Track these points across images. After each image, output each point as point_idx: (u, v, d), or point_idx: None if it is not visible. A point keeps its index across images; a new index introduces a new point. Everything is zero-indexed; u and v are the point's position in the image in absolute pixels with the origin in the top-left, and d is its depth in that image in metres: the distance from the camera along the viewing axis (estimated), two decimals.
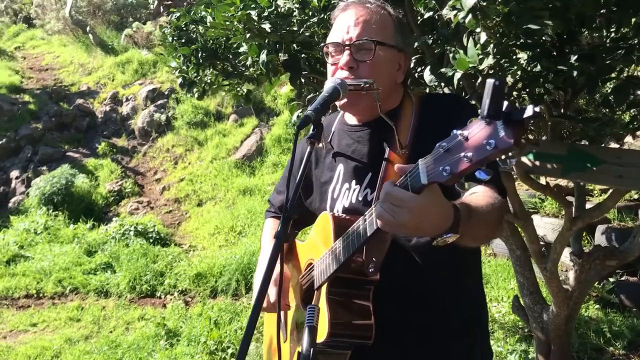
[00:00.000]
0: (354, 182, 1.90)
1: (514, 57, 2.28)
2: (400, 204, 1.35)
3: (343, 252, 1.66)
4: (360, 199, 1.87)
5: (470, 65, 2.24)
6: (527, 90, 2.85)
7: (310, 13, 2.97)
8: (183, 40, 4.42)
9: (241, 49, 3.48)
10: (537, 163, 3.15)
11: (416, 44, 2.54)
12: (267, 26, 3.04)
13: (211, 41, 4.21)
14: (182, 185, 9.92)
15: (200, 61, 4.26)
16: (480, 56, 2.25)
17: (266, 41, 3.21)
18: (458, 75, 2.29)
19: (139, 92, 12.16)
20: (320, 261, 1.80)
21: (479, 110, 1.20)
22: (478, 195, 1.64)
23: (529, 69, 2.58)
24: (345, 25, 1.85)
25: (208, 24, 3.72)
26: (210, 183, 9.75)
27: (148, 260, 7.04)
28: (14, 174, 10.44)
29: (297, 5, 3.02)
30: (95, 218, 9.12)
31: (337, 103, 1.86)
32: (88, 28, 14.10)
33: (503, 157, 1.21)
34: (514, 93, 2.90)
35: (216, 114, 11.44)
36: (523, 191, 5.57)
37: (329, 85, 1.76)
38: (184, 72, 4.36)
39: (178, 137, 11.11)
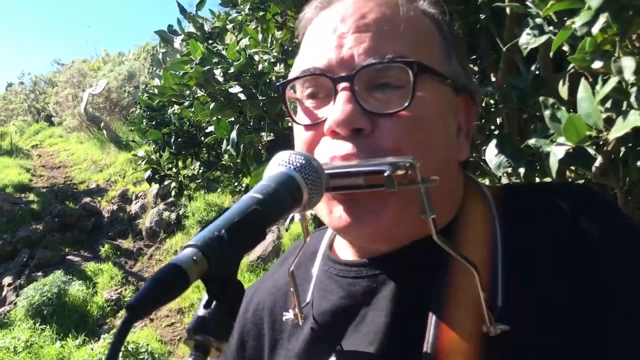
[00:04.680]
0: None
1: None
2: None
3: None
4: None
5: (588, 132, 1.14)
6: None
7: None
8: (154, 123, 3.46)
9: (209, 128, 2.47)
10: None
11: None
12: (236, 89, 2.01)
13: (187, 122, 3.23)
14: (188, 292, 8.78)
15: (175, 149, 3.26)
16: (605, 114, 1.15)
17: (239, 114, 2.18)
18: (561, 152, 1.19)
19: (149, 190, 11.38)
20: None
21: None
22: None
23: None
24: (334, 35, 0.82)
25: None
26: None
27: None
28: (7, 280, 9.51)
29: (282, 56, 1.99)
30: (88, 332, 8.03)
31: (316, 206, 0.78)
32: (102, 124, 13.64)
33: None
34: None
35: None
36: None
37: (272, 170, 0.67)
38: (153, 163, 3.35)
39: (188, 237, 10.13)
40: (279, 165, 0.68)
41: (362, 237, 0.83)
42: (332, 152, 0.78)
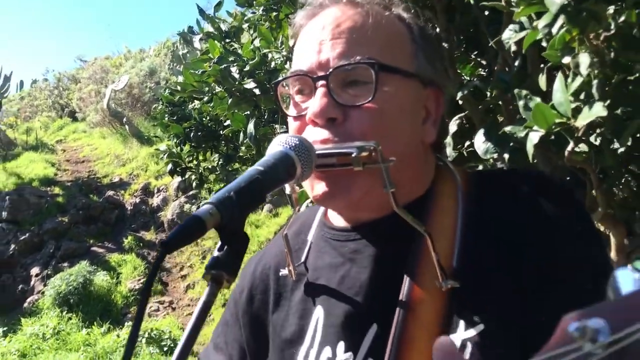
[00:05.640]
0: (341, 345, 0.96)
1: None
2: None
3: None
4: None
5: (557, 120, 1.29)
6: None
7: None
8: (175, 118, 3.65)
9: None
10: None
11: (459, 94, 1.62)
12: (251, 85, 2.19)
13: (207, 117, 3.41)
14: None
15: (195, 142, 3.44)
16: (575, 104, 1.30)
17: (254, 107, 2.35)
18: (535, 137, 1.34)
19: (170, 183, 11.61)
20: None
21: None
22: None
23: None
24: (315, 41, 0.97)
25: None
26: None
27: None
28: (34, 270, 9.79)
29: (291, 55, 2.16)
30: (112, 320, 8.27)
31: (302, 188, 0.95)
32: (125, 119, 13.91)
33: None
34: None
35: None
36: None
37: (272, 149, 0.84)
38: (175, 156, 3.54)
39: None
40: (278, 145, 0.85)
41: (337, 208, 1.02)
42: (313, 138, 0.94)
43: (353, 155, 0.87)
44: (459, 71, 2.14)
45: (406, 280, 0.93)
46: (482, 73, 2.25)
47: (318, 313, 1.02)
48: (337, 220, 1.08)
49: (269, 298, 1.13)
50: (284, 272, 1.10)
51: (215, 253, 0.72)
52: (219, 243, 0.73)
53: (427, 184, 1.02)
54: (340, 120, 0.94)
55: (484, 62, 2.24)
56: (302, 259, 1.10)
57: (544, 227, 0.91)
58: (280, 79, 1.05)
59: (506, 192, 0.98)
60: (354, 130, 0.93)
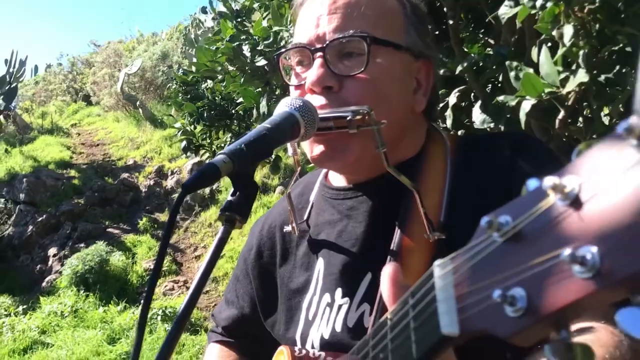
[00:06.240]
0: (339, 291, 1.07)
1: (624, 69, 1.38)
2: None
3: None
4: (350, 324, 1.02)
5: (547, 89, 1.37)
6: None
7: None
8: (189, 97, 3.75)
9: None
10: None
11: (459, 68, 1.70)
12: (262, 62, 2.28)
13: (220, 96, 3.51)
14: (221, 262, 9.15)
15: (208, 121, 3.54)
16: (564, 74, 1.38)
17: (266, 84, 2.44)
18: (527, 105, 1.43)
19: (184, 166, 11.76)
20: None
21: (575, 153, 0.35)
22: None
23: None
24: (314, 16, 1.07)
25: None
26: None
27: None
28: (52, 251, 10.01)
29: None
30: (128, 299, 8.47)
31: (303, 146, 1.05)
32: (138, 102, 14.04)
33: None
34: None
35: (262, 185, 10.79)
36: None
37: (279, 110, 0.94)
38: (189, 134, 3.65)
39: None
40: (284, 106, 0.96)
41: (334, 169, 1.13)
42: (313, 103, 1.03)
43: (348, 118, 0.97)
44: (466, 50, 2.22)
45: (397, 232, 1.03)
46: (489, 52, 2.32)
47: (319, 264, 1.13)
48: (336, 180, 1.18)
49: (276, 253, 1.24)
50: (287, 228, 1.20)
51: (229, 198, 0.82)
52: (231, 190, 0.83)
53: (418, 147, 1.12)
54: (336, 89, 1.04)
55: (492, 42, 2.32)
56: (305, 217, 1.20)
57: (523, 182, 1.00)
58: (281, 50, 1.15)
59: (489, 153, 1.07)
60: (349, 97, 1.03)
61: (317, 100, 1.03)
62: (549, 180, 0.43)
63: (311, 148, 1.07)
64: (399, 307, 0.59)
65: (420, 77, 1.12)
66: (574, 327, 0.82)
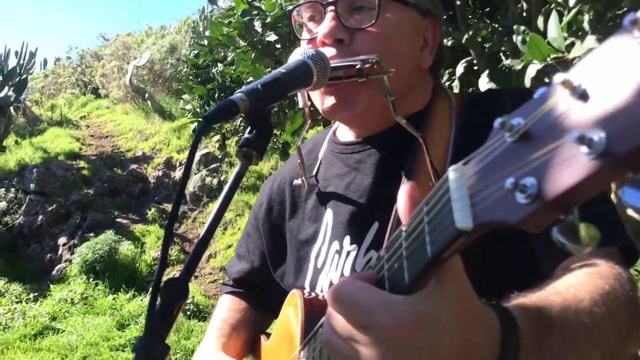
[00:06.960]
0: (347, 239, 1.11)
1: None
2: (370, 319, 0.60)
3: None
4: (358, 269, 1.08)
5: (552, 55, 1.41)
6: None
7: None
8: (199, 79, 3.80)
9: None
10: None
11: (465, 37, 1.74)
12: (272, 38, 2.32)
13: (230, 79, 3.56)
14: (230, 252, 9.24)
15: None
16: (570, 39, 1.42)
17: (276, 62, 2.48)
18: (532, 70, 1.47)
19: None
20: None
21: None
22: (578, 277, 0.81)
23: None
24: None
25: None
26: None
27: (180, 337, 6.32)
28: (62, 240, 10.11)
29: None
30: (137, 287, 8.56)
31: (314, 99, 1.10)
32: (147, 95, 14.12)
33: None
34: None
35: (271, 175, 10.84)
36: None
37: (293, 58, 0.99)
38: (199, 116, 3.70)
39: None
40: (299, 54, 1.00)
41: (344, 120, 1.17)
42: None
43: (357, 66, 1.01)
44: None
45: (404, 181, 1.07)
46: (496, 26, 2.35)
47: (328, 215, 1.18)
48: (345, 136, 1.22)
49: (286, 208, 1.29)
50: (297, 181, 1.25)
51: (246, 135, 0.86)
52: (248, 128, 0.88)
53: (425, 102, 1.16)
54: (347, 42, 1.08)
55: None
56: (314, 173, 1.25)
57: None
58: (294, 5, 1.19)
59: (491, 107, 1.12)
60: (359, 50, 1.06)
61: (328, 52, 1.07)
62: (559, 77, 0.46)
63: (322, 100, 1.12)
64: (413, 217, 0.62)
65: (427, 35, 1.16)
66: (578, 264, 0.86)
